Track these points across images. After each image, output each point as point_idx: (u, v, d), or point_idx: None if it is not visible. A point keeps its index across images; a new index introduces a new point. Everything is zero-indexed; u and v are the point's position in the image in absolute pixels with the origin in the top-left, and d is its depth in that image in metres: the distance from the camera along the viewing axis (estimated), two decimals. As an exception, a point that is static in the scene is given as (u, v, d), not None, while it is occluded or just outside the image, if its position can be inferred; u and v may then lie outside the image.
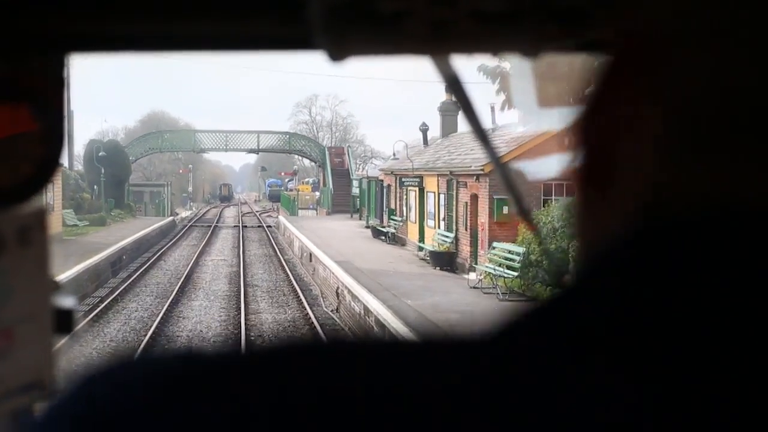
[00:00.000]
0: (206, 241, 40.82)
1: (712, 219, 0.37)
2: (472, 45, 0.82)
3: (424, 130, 36.49)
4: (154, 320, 18.81)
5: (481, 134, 1.15)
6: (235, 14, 0.95)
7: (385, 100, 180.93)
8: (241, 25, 0.97)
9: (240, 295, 22.70)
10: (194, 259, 31.55)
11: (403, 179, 31.55)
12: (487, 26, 0.76)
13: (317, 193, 66.05)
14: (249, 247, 37.84)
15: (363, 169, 59.84)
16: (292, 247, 35.16)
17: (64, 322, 1.03)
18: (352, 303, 18.49)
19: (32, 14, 0.93)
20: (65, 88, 1.02)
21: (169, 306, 20.76)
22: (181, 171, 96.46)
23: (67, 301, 1.05)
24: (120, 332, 17.93)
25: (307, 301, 21.56)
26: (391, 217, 33.72)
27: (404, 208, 32.35)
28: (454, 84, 0.99)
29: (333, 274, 21.93)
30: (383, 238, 32.40)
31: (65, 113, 1.02)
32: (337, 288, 20.65)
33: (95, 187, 48.51)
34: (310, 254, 27.51)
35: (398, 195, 33.63)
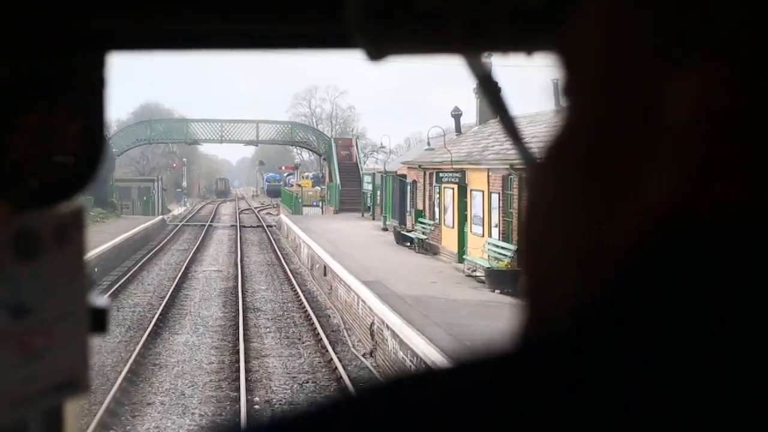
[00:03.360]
0: (199, 244, 35.51)
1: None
2: (509, 44, 0.82)
3: (457, 115, 30.71)
4: (120, 372, 13.42)
5: (516, 138, 1.08)
6: (273, 13, 0.97)
7: (385, 92, 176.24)
8: (279, 23, 0.99)
9: (238, 325, 17.45)
10: (183, 270, 26.25)
11: (440, 174, 25.88)
12: (525, 25, 0.78)
13: (319, 189, 60.82)
14: (248, 252, 32.50)
15: (365, 162, 54.43)
16: (299, 254, 29.75)
17: (98, 321, 1.03)
18: (399, 351, 13.04)
19: (72, 13, 0.95)
20: (105, 87, 1.01)
21: (143, 345, 15.46)
22: (174, 165, 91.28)
23: (101, 301, 1.04)
24: (67, 394, 12.50)
25: (327, 337, 16.24)
26: (419, 219, 28.09)
27: (436, 209, 26.78)
28: (486, 83, 0.98)
29: (363, 301, 16.45)
30: (409, 244, 26.95)
31: (105, 112, 1.03)
32: (372, 325, 15.20)
33: (74, 182, 43.13)
34: (325, 267, 22.13)
35: (428, 193, 28.07)
